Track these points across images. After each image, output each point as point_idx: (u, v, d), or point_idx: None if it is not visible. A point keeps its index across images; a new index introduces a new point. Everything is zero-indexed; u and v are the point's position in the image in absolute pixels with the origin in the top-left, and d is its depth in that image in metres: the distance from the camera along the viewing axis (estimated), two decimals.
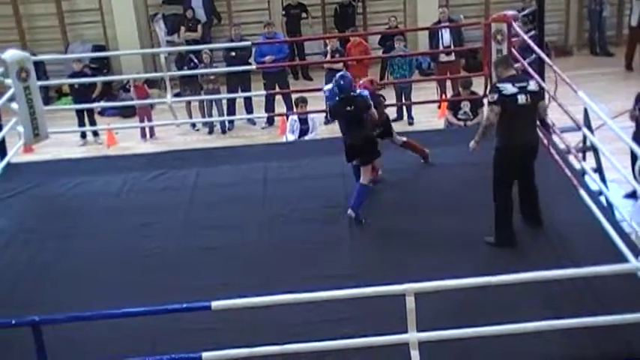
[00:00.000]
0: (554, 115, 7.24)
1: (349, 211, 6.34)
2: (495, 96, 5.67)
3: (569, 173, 6.70)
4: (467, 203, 6.56)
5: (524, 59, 7.58)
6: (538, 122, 7.75)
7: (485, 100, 9.17)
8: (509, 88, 5.64)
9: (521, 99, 5.64)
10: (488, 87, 8.02)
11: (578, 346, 4.77)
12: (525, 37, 7.57)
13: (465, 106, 10.04)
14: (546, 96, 7.53)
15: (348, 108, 6.36)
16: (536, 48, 7.48)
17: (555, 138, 7.37)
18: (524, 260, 5.61)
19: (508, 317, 4.67)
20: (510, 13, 7.89)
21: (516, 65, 7.66)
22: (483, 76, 8.27)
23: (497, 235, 5.86)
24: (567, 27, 15.46)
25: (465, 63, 13.43)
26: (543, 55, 7.40)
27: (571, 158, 7.03)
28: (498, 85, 5.72)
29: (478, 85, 9.39)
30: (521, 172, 5.94)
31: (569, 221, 6.11)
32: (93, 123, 12.34)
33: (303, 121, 10.22)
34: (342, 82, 6.35)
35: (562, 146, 7.19)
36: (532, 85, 5.75)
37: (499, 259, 5.70)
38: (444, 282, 4.48)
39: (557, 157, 7.07)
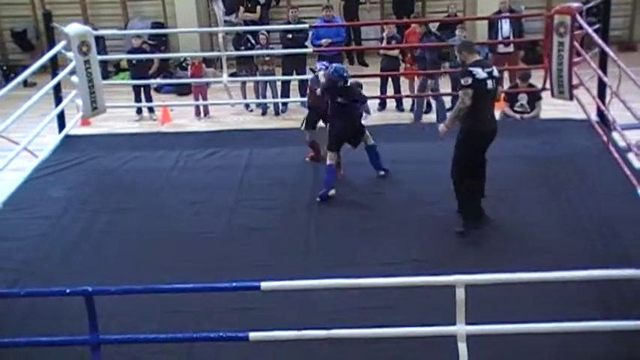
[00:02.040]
0: (616, 112, 7.07)
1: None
2: (469, 80, 5.72)
3: (627, 172, 6.54)
4: (520, 197, 6.47)
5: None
6: (598, 119, 7.66)
7: (541, 94, 9.08)
8: (480, 73, 5.73)
9: (490, 84, 5.78)
10: (547, 80, 7.90)
11: (628, 347, 4.66)
12: (590, 30, 7.39)
13: (523, 99, 9.87)
14: (608, 91, 7.40)
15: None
16: (600, 42, 7.30)
17: (615, 135, 7.19)
18: (579, 258, 5.49)
19: (558, 315, 4.60)
20: (575, 5, 7.69)
21: (578, 59, 7.56)
22: (543, 68, 8.10)
23: (464, 217, 5.92)
24: (633, 21, 15.07)
25: (524, 55, 13.20)
26: (608, 49, 7.22)
27: (631, 156, 6.86)
28: (471, 69, 5.77)
29: (536, 78, 9.22)
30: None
31: (626, 220, 5.97)
32: (149, 99, 12.48)
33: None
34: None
35: (622, 144, 7.02)
36: (495, 71, 5.89)
37: (552, 255, 5.59)
38: (496, 275, 4.42)
39: (616, 154, 6.91)
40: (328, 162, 6.68)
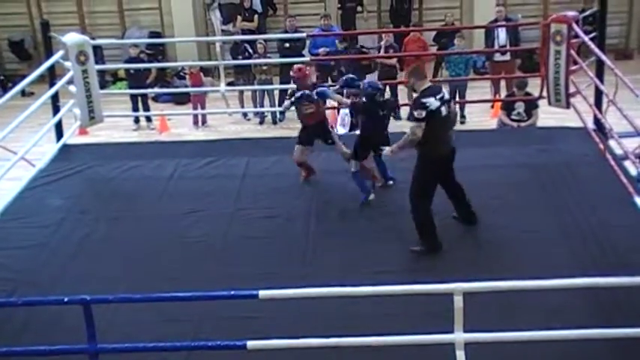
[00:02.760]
0: (612, 120, 7.10)
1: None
2: (423, 113, 5.61)
3: (624, 179, 6.55)
4: (517, 204, 6.48)
5: None
6: (595, 127, 7.68)
7: (538, 103, 9.11)
8: (433, 103, 5.61)
9: (444, 110, 5.67)
10: (544, 88, 7.92)
11: (626, 355, 4.66)
12: (586, 38, 7.42)
13: (520, 107, 9.92)
14: (604, 99, 7.42)
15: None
16: (597, 50, 7.33)
17: (612, 143, 7.21)
18: (576, 265, 5.50)
19: (556, 322, 4.60)
20: (571, 13, 7.74)
21: (574, 67, 7.58)
22: (539, 77, 8.13)
23: (425, 244, 5.83)
24: (629, 29, 15.13)
25: (521, 63, 13.24)
26: (604, 58, 7.25)
27: (627, 164, 6.88)
28: (423, 100, 5.64)
29: (533, 86, 9.25)
30: (444, 177, 5.96)
31: (623, 227, 5.98)
32: (146, 108, 12.50)
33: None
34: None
35: (619, 152, 7.04)
36: (446, 94, 5.78)
37: (549, 262, 5.60)
38: (494, 283, 4.42)
39: (612, 162, 6.92)
40: (353, 169, 6.65)
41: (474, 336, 4.37)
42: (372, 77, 11.72)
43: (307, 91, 6.78)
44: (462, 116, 12.05)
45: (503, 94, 11.63)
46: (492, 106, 11.71)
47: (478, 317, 4.49)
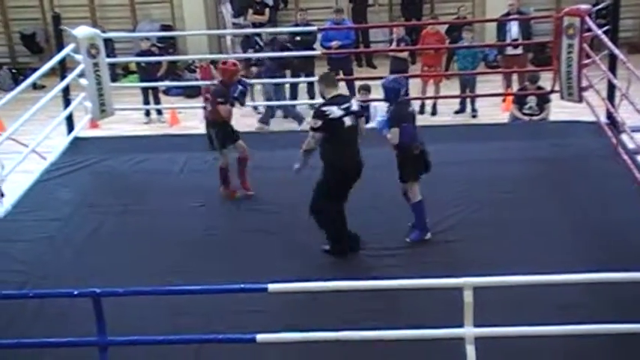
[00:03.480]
0: (625, 114, 7.05)
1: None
2: (319, 122, 5.51)
3: (637, 174, 6.51)
4: (529, 198, 6.45)
5: None
6: (608, 121, 7.63)
7: (550, 97, 9.05)
8: (335, 111, 5.48)
9: (348, 121, 5.49)
10: (556, 82, 7.87)
11: (638, 352, 4.63)
12: (599, 32, 7.36)
13: (532, 101, 9.85)
14: (617, 93, 7.37)
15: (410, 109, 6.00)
16: (610, 44, 7.27)
17: (625, 137, 7.16)
18: (587, 260, 5.46)
19: (567, 317, 4.58)
20: (584, 7, 7.68)
21: (587, 61, 7.53)
22: (552, 70, 8.08)
23: (333, 246, 5.74)
24: None
25: (533, 57, 13.17)
26: (617, 51, 7.19)
27: None
28: (324, 108, 5.54)
29: (545, 80, 9.19)
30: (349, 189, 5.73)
31: (636, 222, 5.94)
32: (157, 101, 12.51)
33: (365, 109, 10.15)
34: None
35: (631, 146, 6.99)
36: (355, 106, 5.59)
37: (560, 256, 5.57)
38: (504, 277, 4.39)
39: (625, 156, 6.88)
40: (417, 199, 5.91)
41: (484, 330, 4.35)
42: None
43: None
44: (473, 110, 12.01)
45: (515, 87, 11.56)
46: (504, 100, 11.64)
47: (488, 312, 4.48)
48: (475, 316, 4.28)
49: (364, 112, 5.51)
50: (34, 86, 10.65)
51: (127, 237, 6.31)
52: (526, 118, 9.88)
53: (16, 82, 13.50)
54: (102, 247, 6.17)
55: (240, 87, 6.61)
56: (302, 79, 11.69)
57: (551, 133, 7.98)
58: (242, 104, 6.78)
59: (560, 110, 9.38)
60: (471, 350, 4.30)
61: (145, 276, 5.56)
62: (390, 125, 5.76)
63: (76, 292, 4.49)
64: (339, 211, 5.71)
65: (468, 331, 4.30)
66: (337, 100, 5.57)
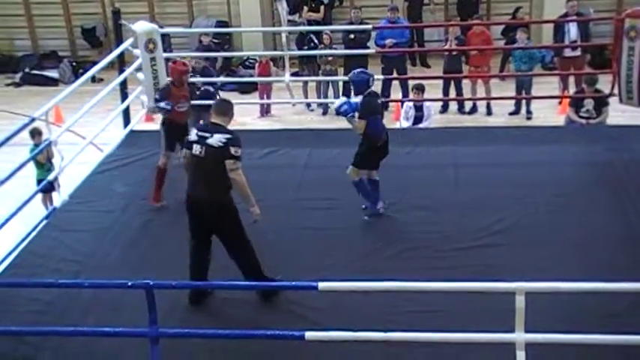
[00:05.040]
0: None
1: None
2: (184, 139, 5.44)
3: None
4: (583, 204, 6.34)
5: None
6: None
7: (608, 100, 8.86)
8: (192, 135, 5.31)
9: (196, 149, 5.23)
10: (615, 85, 7.71)
11: None
12: None
13: (589, 104, 9.64)
14: None
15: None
16: None
17: None
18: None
19: (620, 326, 4.49)
20: None
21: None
22: (611, 73, 7.92)
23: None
24: None
25: (591, 59, 12.90)
26: None
27: None
28: (191, 128, 5.46)
29: (603, 83, 9.02)
30: (217, 233, 5.35)
31: None
32: None
33: (418, 109, 10.13)
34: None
35: None
36: (213, 140, 5.17)
37: (614, 264, 5.46)
38: (557, 284, 4.33)
39: None
40: (357, 179, 6.26)
41: (536, 337, 4.29)
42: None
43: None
44: (528, 112, 11.84)
45: (571, 90, 11.36)
46: (560, 103, 11.45)
47: (540, 318, 4.42)
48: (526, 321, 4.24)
49: (223, 148, 5.15)
50: (93, 79, 10.86)
51: (178, 230, 6.34)
52: (583, 121, 9.69)
53: (76, 75, 13.78)
54: (154, 240, 6.25)
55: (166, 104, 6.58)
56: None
57: (607, 137, 7.82)
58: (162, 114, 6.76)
59: (618, 114, 9.20)
60: (521, 356, 4.24)
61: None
62: (359, 116, 6.06)
63: (130, 284, 4.56)
64: (192, 253, 5.38)
65: (519, 336, 4.25)
66: (202, 127, 5.41)
